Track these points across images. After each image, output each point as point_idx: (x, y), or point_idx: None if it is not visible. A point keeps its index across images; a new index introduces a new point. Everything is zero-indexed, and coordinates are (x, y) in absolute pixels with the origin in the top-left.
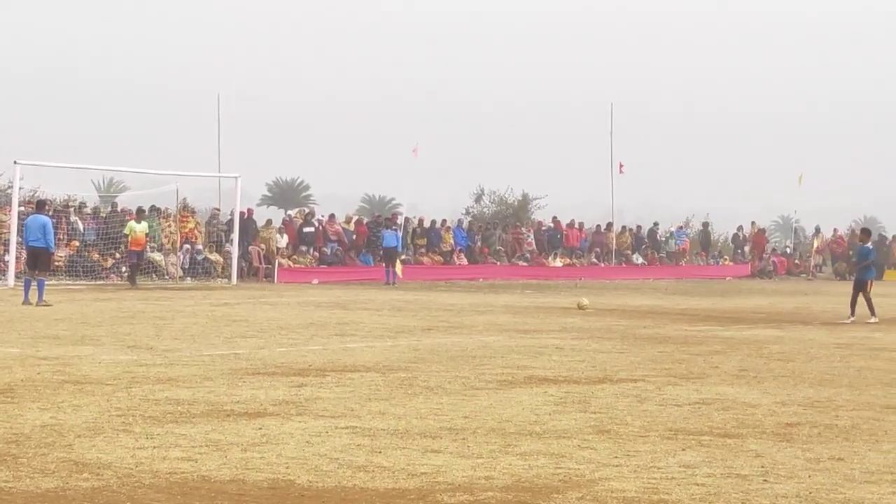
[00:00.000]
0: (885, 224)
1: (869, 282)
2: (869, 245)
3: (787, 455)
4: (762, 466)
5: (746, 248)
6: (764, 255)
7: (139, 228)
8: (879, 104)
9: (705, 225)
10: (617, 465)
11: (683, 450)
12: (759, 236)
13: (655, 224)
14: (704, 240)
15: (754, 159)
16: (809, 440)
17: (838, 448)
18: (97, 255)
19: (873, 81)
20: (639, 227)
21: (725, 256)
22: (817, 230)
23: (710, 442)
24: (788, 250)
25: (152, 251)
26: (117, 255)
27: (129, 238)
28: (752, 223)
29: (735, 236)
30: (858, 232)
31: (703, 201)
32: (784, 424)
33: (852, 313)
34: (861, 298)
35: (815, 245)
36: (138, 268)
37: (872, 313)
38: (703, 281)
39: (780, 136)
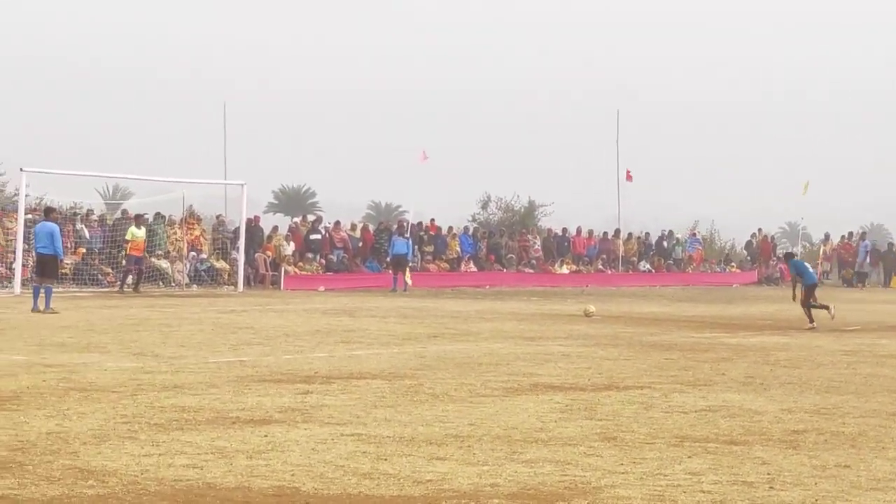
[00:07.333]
0: (890, 230)
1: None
2: (795, 259)
3: (793, 462)
4: (768, 473)
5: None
6: (770, 262)
7: (139, 234)
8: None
9: (710, 234)
10: (623, 473)
11: (689, 457)
12: (766, 243)
13: (667, 232)
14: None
15: (748, 169)
16: (816, 447)
17: (844, 455)
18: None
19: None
20: (646, 234)
21: (733, 263)
22: (826, 237)
23: (716, 449)
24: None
25: (158, 259)
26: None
27: (130, 243)
28: (759, 230)
29: (748, 243)
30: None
31: (705, 208)
32: (790, 431)
33: (811, 320)
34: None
35: (823, 251)
36: (139, 273)
37: (811, 320)
38: (710, 288)
39: (781, 156)
